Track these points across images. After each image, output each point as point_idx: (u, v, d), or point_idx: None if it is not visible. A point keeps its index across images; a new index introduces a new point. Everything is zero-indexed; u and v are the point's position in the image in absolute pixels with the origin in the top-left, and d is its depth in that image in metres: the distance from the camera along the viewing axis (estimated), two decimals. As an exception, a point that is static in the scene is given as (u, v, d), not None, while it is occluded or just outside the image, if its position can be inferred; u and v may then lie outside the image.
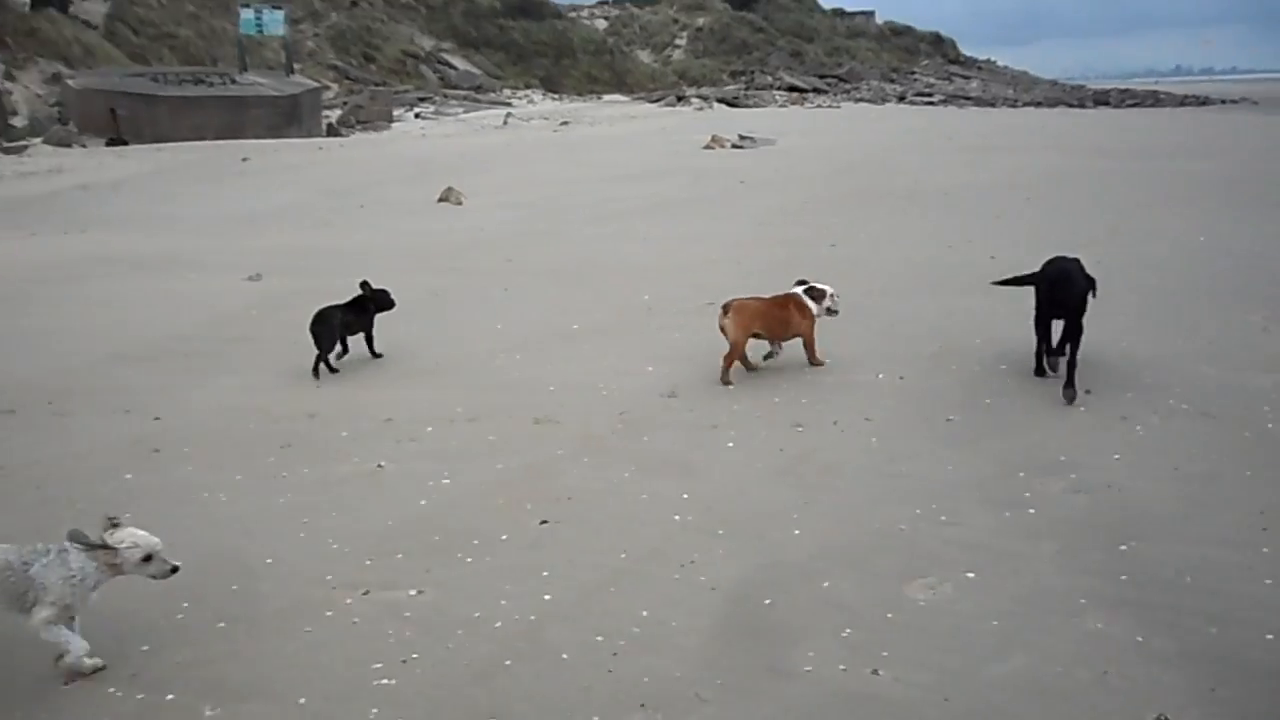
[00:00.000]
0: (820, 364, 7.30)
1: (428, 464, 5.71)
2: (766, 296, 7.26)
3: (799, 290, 7.27)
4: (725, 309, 6.98)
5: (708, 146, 27.92)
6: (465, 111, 45.77)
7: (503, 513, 5.09)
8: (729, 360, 7.01)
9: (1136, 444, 5.84)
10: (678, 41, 71.19)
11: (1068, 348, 6.59)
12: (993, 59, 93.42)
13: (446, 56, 56.38)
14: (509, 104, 52.06)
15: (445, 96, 51.39)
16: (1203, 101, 63.61)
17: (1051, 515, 4.96)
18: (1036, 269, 7.14)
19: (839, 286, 7.55)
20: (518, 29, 60.33)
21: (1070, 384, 6.48)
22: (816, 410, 6.47)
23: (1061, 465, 5.55)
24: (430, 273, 10.76)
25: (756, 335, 7.12)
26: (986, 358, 7.45)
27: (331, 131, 34.45)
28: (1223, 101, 64.09)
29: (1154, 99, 64.90)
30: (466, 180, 17.53)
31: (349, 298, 7.58)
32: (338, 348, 7.47)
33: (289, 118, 31.74)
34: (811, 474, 5.54)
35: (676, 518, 5.01)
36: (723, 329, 6.98)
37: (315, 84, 33.81)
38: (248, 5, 33.69)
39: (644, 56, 69.16)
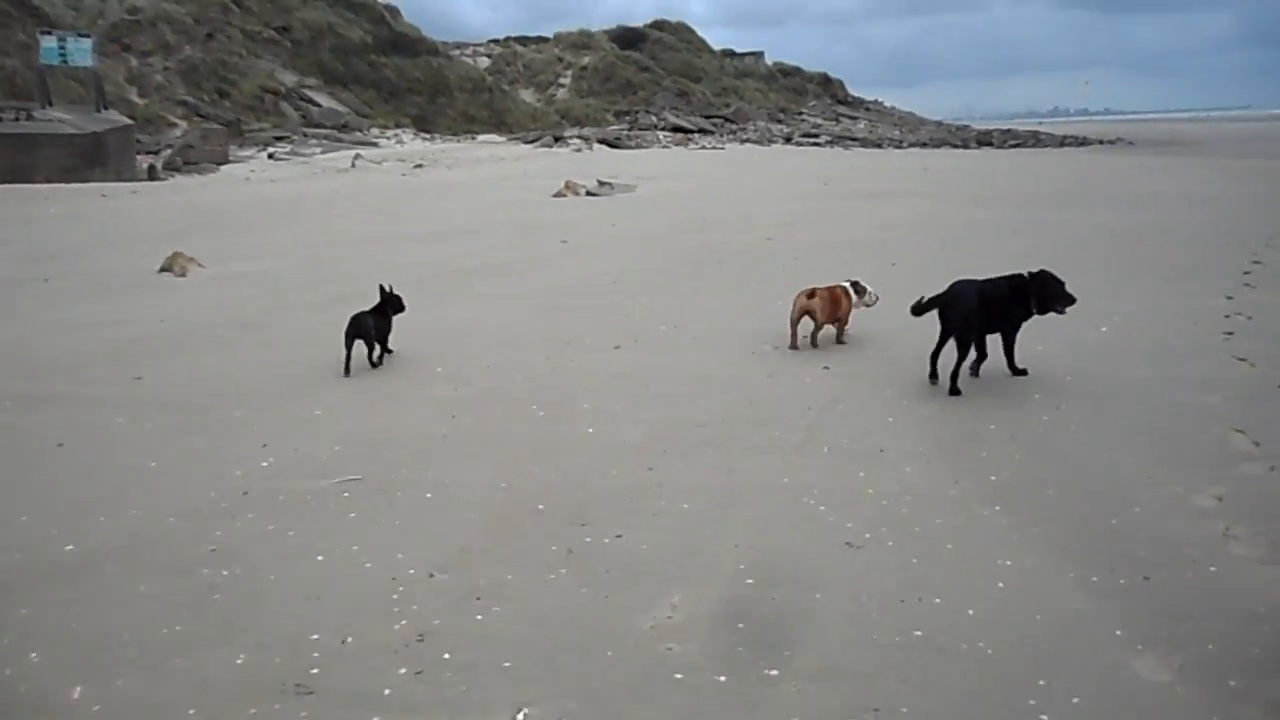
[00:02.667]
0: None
1: None
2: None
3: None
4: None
5: (559, 194, 24.72)
6: (323, 152, 41.89)
7: None
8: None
9: None
10: (562, 80, 68.20)
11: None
12: (880, 99, 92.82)
13: (310, 93, 52.30)
14: (375, 144, 48.22)
15: (305, 136, 47.39)
16: (1082, 141, 63.17)
17: None
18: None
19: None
20: (390, 66, 56.56)
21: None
22: None
23: None
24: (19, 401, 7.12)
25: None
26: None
27: (153, 174, 30.37)
28: (1100, 141, 63.77)
29: (1035, 139, 64.23)
30: (236, 239, 13.96)
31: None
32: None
33: (90, 159, 27.52)
34: None
35: None
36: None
37: (126, 121, 29.60)
38: (49, 33, 29.46)
39: (527, 95, 65.94)
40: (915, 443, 6.16)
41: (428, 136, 51.77)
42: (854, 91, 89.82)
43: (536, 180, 27.60)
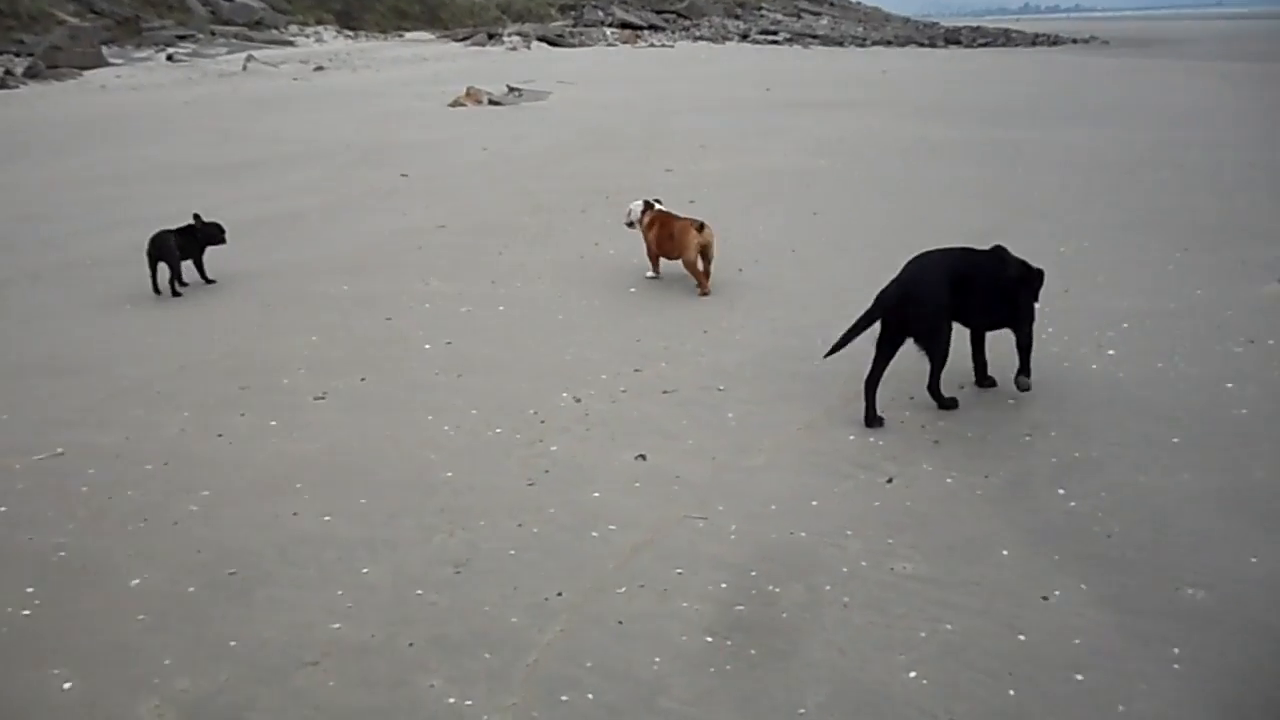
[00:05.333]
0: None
1: None
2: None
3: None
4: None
5: (456, 103, 20.94)
6: (229, 53, 37.32)
7: None
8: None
9: None
10: (504, -27, 62.66)
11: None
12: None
13: (221, -14, 47.03)
14: (291, 43, 43.46)
15: (213, 34, 42.55)
16: (1054, 41, 59.06)
17: None
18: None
19: None
20: (312, -45, 51.12)
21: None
22: None
23: None
24: None
25: None
26: None
27: (7, 83, 26.09)
28: (1073, 40, 59.73)
29: (1005, 38, 59.88)
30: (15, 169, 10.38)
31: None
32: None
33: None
34: None
35: None
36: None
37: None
38: None
39: (467, -11, 60.57)
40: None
41: (351, 35, 46.94)
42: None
43: (442, 86, 23.65)
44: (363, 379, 5.54)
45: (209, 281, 7.56)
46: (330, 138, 15.12)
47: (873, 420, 4.77)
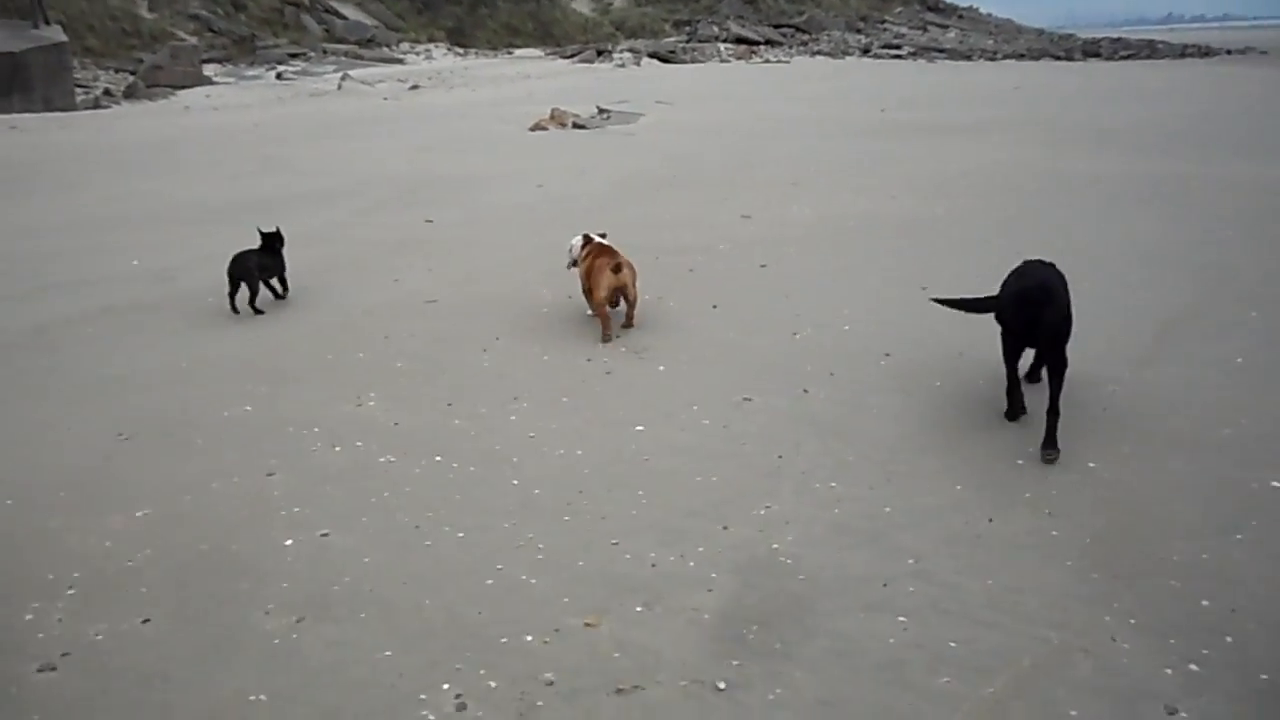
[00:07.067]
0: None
1: None
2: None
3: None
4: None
5: (538, 126, 19.01)
6: (336, 70, 36.51)
7: None
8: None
9: None
10: (621, -13, 61.05)
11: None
12: (975, 6, 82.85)
13: (336, 4, 46.72)
14: (401, 60, 42.66)
15: (324, 52, 42.04)
16: (1205, 52, 53.63)
17: None
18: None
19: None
20: (427, -27, 50.53)
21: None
22: None
23: None
24: None
25: None
26: None
27: (101, 102, 25.51)
28: (1227, 51, 54.15)
29: (1150, 49, 54.88)
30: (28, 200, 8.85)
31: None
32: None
33: (5, 84, 22.69)
34: None
35: None
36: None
37: (58, 38, 24.53)
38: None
39: (582, 5, 59.15)
40: None
41: (460, 51, 45.92)
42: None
43: (532, 106, 21.74)
44: (145, 620, 3.42)
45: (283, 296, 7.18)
46: (375, 169, 13.27)
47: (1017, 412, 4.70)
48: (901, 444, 4.55)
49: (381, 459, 4.54)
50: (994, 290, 4.80)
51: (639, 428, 4.81)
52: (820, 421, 4.83)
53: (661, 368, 5.64)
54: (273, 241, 7.02)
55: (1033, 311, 4.38)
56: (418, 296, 7.20)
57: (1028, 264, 4.80)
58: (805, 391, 5.21)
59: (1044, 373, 4.64)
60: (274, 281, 7.10)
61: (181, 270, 8.02)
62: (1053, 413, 4.35)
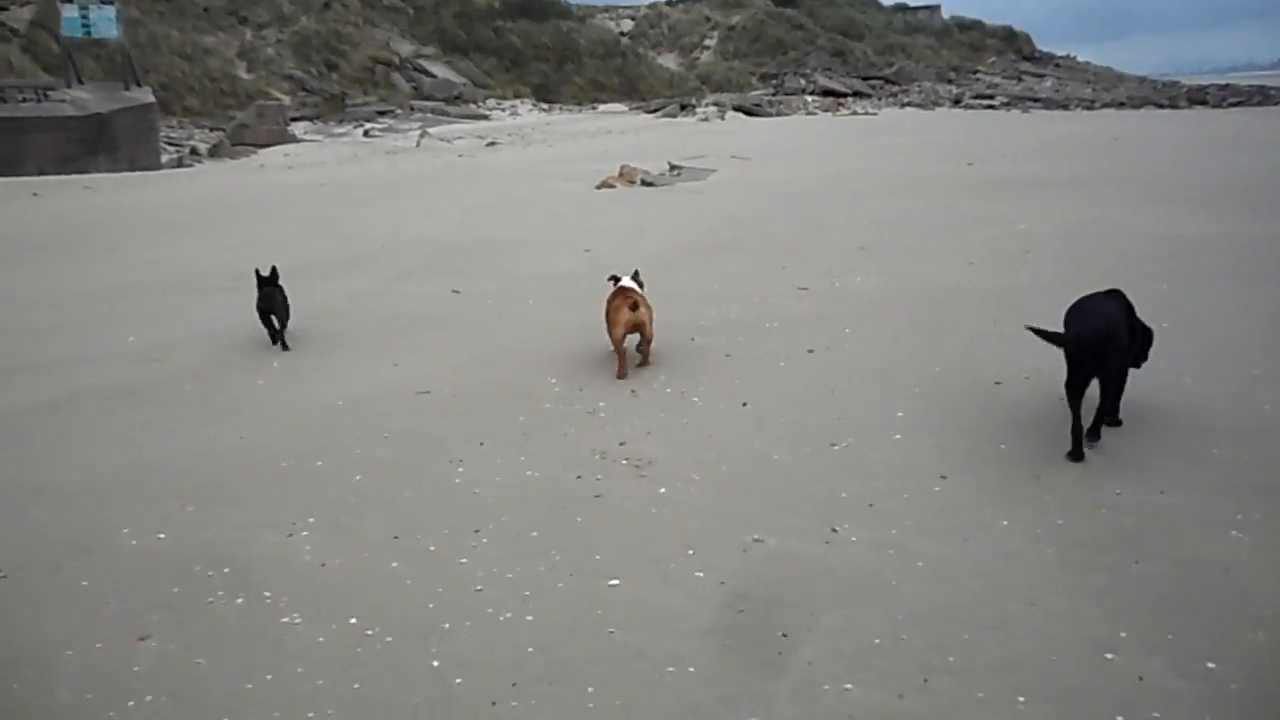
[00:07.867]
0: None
1: None
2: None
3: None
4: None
5: (605, 184, 18.27)
6: (421, 127, 36.79)
7: None
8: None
9: None
10: (706, 42, 60.69)
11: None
12: (1073, 54, 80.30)
13: (425, 63, 47.39)
14: (486, 116, 42.83)
15: (412, 109, 42.51)
16: (1324, 98, 50.66)
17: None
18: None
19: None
20: (516, 31, 51.00)
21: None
22: None
23: None
24: None
25: None
26: None
27: (185, 161, 25.84)
28: (1349, 97, 51.06)
29: (1262, 95, 51.95)
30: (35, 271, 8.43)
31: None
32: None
33: (91, 145, 23.06)
34: None
35: None
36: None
37: (146, 99, 24.96)
38: (70, 1, 25.11)
39: (669, 60, 59.03)
40: None
41: (546, 107, 46.00)
42: (1043, 47, 77.89)
43: (605, 163, 21.07)
44: None
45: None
46: (418, 232, 12.61)
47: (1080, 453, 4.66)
48: (950, 622, 3.42)
49: (285, 618, 3.61)
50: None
51: (613, 582, 3.78)
52: (846, 580, 3.73)
53: (663, 490, 4.62)
54: (274, 279, 7.28)
55: (1096, 358, 4.61)
56: (411, 385, 6.33)
57: (1089, 300, 4.95)
58: (834, 531, 4.12)
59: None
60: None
61: (173, 348, 7.33)
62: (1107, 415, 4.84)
